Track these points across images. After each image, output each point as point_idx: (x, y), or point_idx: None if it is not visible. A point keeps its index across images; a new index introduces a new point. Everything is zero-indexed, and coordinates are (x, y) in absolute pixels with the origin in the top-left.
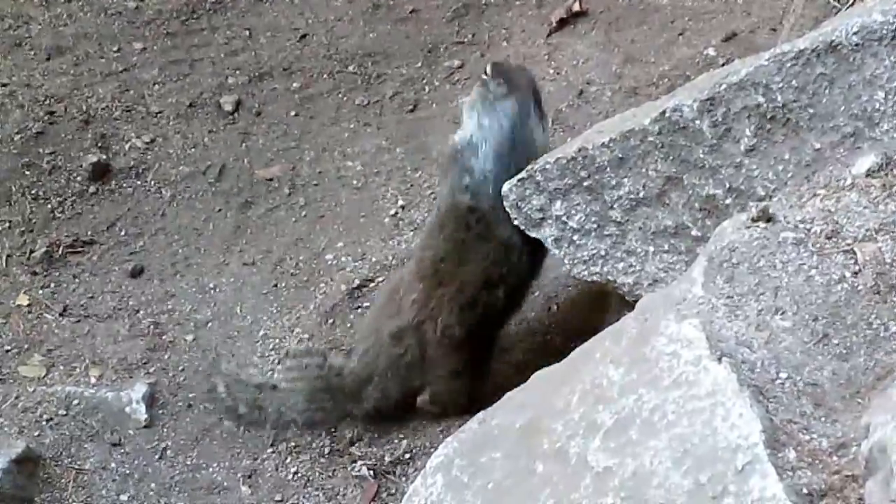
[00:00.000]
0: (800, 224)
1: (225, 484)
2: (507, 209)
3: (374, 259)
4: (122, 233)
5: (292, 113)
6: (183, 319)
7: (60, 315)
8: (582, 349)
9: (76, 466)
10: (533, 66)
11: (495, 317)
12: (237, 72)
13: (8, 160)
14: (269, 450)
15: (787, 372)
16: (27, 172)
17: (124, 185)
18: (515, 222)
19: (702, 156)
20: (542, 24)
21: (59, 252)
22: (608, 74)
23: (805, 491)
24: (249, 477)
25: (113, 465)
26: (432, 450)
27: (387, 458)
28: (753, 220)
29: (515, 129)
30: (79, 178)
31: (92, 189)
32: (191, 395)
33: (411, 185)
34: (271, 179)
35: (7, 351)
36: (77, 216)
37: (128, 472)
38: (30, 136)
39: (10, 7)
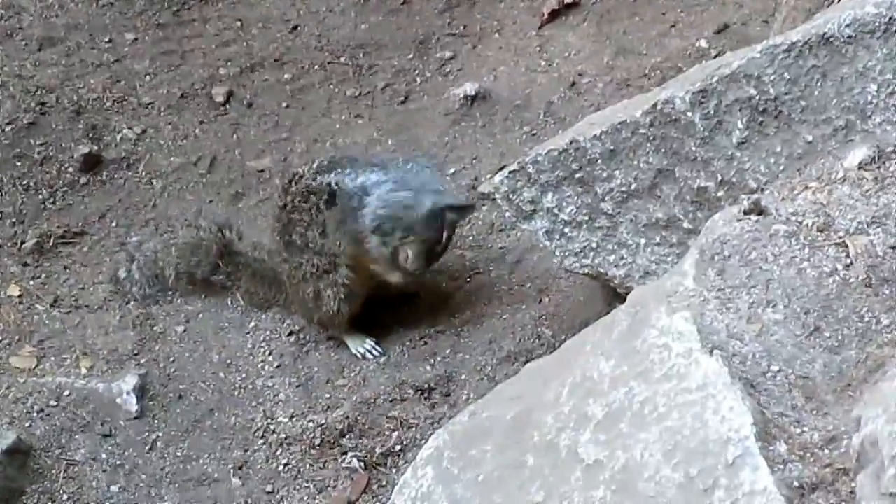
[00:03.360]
0: (791, 217)
1: (215, 476)
2: (499, 201)
3: None
4: (114, 224)
5: (284, 104)
6: (174, 310)
7: (51, 306)
8: (573, 342)
9: (67, 458)
10: (524, 58)
11: None
12: (229, 63)
13: None
14: (260, 441)
15: (778, 365)
16: (18, 163)
17: (115, 176)
18: (507, 214)
19: (693, 148)
20: (534, 15)
21: (50, 243)
22: (600, 66)
23: (796, 484)
24: (240, 469)
25: (103, 456)
26: (423, 442)
27: (377, 450)
28: (745, 213)
29: None
30: (70, 169)
31: (83, 180)
32: (181, 387)
33: None
34: (262, 171)
35: None
36: (68, 207)
37: (118, 463)
38: (21, 126)
39: None
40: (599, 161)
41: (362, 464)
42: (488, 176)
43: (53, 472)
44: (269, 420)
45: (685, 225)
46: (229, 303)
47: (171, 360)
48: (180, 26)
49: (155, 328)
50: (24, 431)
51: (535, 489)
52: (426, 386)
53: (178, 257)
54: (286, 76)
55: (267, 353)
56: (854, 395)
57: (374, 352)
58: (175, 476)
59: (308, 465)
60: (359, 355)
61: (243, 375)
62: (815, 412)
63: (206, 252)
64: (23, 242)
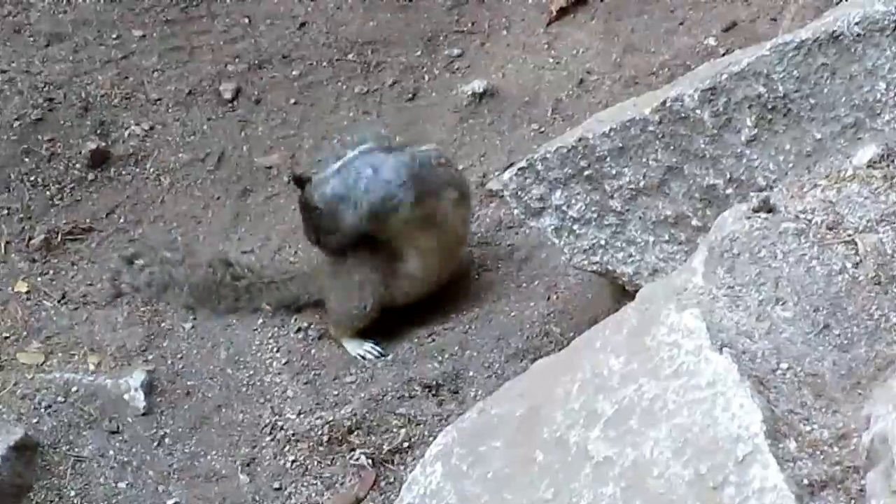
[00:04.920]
0: (800, 214)
1: (223, 472)
2: (508, 198)
3: None
4: (121, 220)
5: (292, 101)
6: (181, 307)
7: (59, 302)
8: (582, 339)
9: (74, 454)
10: (532, 55)
11: None
12: (236, 59)
13: (7, 147)
14: (268, 438)
15: (787, 362)
16: (26, 159)
17: (123, 172)
18: (515, 211)
19: (702, 146)
20: (542, 12)
21: (58, 239)
22: (608, 64)
23: (806, 482)
24: (248, 465)
25: (111, 452)
26: (431, 439)
27: (385, 447)
28: (754, 211)
29: None
30: (78, 165)
31: (91, 176)
32: (189, 383)
33: None
34: (270, 167)
35: (6, 338)
36: (76, 203)
37: (126, 459)
38: (29, 122)
39: None
40: (608, 158)
41: (370, 461)
42: (497, 173)
43: (61, 468)
44: (276, 417)
45: (694, 222)
46: None
47: (179, 356)
48: (188, 23)
49: (163, 325)
50: (32, 427)
51: (544, 486)
52: (434, 383)
53: (190, 293)
54: (294, 73)
55: (275, 349)
56: (863, 393)
57: (375, 352)
58: (182, 472)
59: (316, 462)
60: (360, 357)
61: (251, 372)
62: (824, 410)
63: (219, 285)
64: (31, 239)
